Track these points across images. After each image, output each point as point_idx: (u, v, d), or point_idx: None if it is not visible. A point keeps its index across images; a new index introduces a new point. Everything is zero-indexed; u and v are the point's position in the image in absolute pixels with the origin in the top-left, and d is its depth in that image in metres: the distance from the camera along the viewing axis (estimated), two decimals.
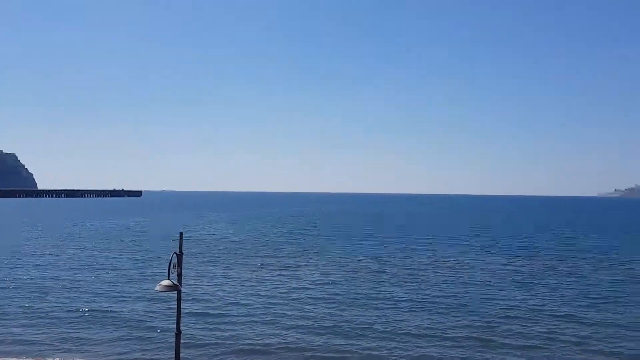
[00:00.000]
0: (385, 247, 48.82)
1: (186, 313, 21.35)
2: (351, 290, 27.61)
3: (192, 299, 24.86)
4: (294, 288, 28.24)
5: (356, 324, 20.96)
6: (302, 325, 20.82)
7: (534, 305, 24.66)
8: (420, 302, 25.08)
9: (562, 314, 22.99)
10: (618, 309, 24.02)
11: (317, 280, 30.67)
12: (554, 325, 21.14)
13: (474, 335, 19.59)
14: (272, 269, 34.57)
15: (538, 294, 27.28)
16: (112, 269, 33.97)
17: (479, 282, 30.34)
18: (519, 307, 24.20)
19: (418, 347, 18.27)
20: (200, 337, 19.12)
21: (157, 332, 19.77)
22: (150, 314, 22.37)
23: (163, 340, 18.64)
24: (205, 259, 38.97)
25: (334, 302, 24.82)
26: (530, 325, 21.07)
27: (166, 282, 9.97)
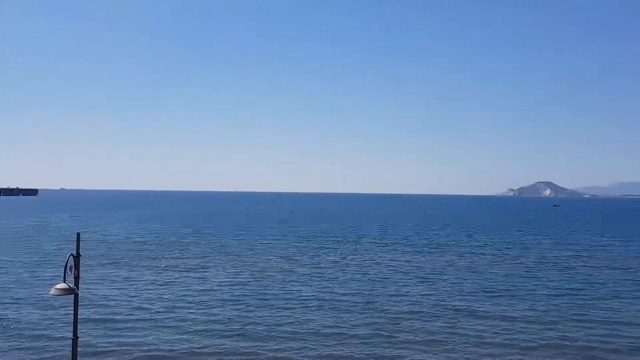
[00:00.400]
0: (294, 245, 48.99)
1: (84, 318, 20.18)
2: (260, 291, 27.37)
3: (92, 304, 23.55)
4: (201, 290, 27.55)
5: (265, 325, 20.75)
6: (209, 329, 20.31)
7: (435, 300, 25.68)
8: (327, 300, 25.31)
9: (462, 308, 24.09)
10: (511, 302, 25.52)
11: (224, 281, 30.11)
12: (454, 319, 22.10)
13: (380, 332, 20.00)
14: (178, 271, 33.54)
15: (439, 289, 28.46)
16: (3, 273, 31.46)
17: (384, 279, 31.18)
18: (422, 302, 25.11)
19: (325, 346, 18.38)
20: (99, 343, 18.11)
21: (52, 339, 18.50)
22: (46, 320, 20.90)
23: (59, 348, 17.47)
24: (106, 261, 37.11)
25: (242, 304, 24.46)
26: (432, 320, 21.89)
27: (62, 285, 9.34)
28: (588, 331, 20.50)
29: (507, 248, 50.40)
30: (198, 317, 22.01)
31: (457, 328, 20.68)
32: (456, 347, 18.42)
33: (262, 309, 23.52)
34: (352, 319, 21.78)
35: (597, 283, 31.03)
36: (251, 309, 23.53)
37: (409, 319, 21.89)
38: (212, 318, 21.83)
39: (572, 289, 29.21)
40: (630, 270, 36.52)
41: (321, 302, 24.97)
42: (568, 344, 18.89)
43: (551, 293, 27.93)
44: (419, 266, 36.76)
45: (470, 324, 21.39)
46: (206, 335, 19.41)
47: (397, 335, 19.65)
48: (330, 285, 29.17)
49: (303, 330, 20.07)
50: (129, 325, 20.66)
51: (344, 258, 40.46)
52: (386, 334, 19.76)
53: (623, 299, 26.69)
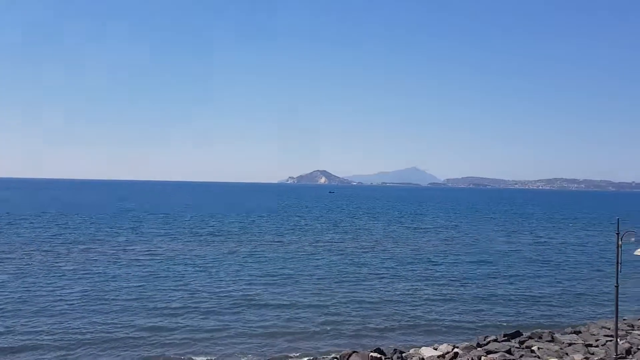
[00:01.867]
0: (59, 237, 43.73)
1: None
2: (19, 294, 23.34)
3: None
4: None
5: (22, 334, 17.73)
6: None
7: (216, 290, 24.96)
8: (97, 300, 22.71)
9: (242, 296, 23.83)
10: (290, 288, 26.06)
11: None
12: (236, 309, 21.72)
13: (156, 332, 18.57)
14: None
15: (220, 279, 27.78)
16: None
17: (163, 271, 29.31)
18: (202, 294, 24.16)
19: (92, 354, 16.41)
20: None
21: None
22: None
23: None
24: None
25: None
26: (213, 312, 21.14)
27: None
28: (358, 312, 21.92)
29: (286, 232, 52.38)
30: None
31: (238, 319, 20.30)
32: (236, 341, 18.00)
33: (20, 314, 20.17)
34: (125, 320, 19.86)
35: (363, 264, 33.74)
36: (8, 315, 20.06)
37: (188, 314, 20.81)
38: None
39: (343, 270, 31.19)
40: (388, 250, 40.67)
41: (90, 302, 22.38)
42: (341, 325, 19.92)
43: (325, 275, 29.41)
44: (200, 255, 35.75)
45: (252, 312, 21.25)
46: None
47: (176, 333, 18.46)
48: (102, 281, 26.43)
49: (67, 337, 17.62)
50: None
51: (120, 250, 37.47)
52: (164, 333, 18.43)
53: (383, 278, 29.38)
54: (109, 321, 19.66)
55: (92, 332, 18.27)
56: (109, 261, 32.66)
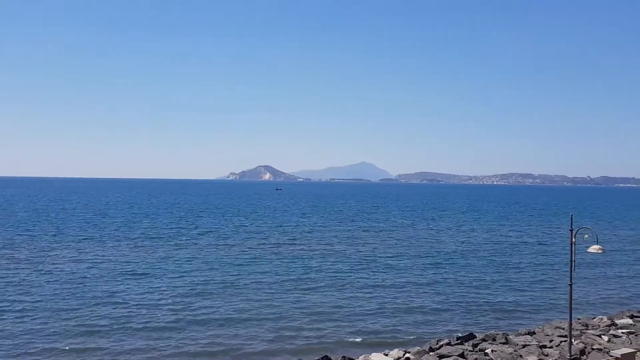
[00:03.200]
0: None
1: None
2: None
3: None
4: None
5: None
6: None
7: (151, 302, 24.26)
8: (14, 316, 21.56)
9: (180, 309, 23.23)
10: (231, 299, 25.57)
11: None
12: (175, 323, 21.18)
13: (74, 356, 17.67)
14: None
15: (156, 288, 26.97)
16: None
17: (90, 283, 28.07)
18: (134, 307, 23.41)
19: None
20: None
21: None
22: None
23: None
24: None
25: None
26: (146, 328, 20.56)
27: None
28: (307, 324, 21.89)
29: (229, 234, 51.76)
30: None
31: (175, 336, 19.80)
32: (160, 351, 17.57)
33: None
34: (45, 341, 18.86)
35: (313, 269, 33.81)
36: None
37: (118, 331, 20.02)
38: None
39: (291, 277, 31.02)
40: (339, 253, 40.82)
41: (3, 318, 21.27)
42: (290, 339, 19.85)
43: (272, 282, 29.14)
44: (132, 262, 34.67)
45: (192, 328, 20.75)
46: None
47: (104, 355, 17.69)
48: (17, 294, 25.19)
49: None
50: None
51: (40, 256, 35.82)
52: (90, 355, 17.63)
53: (334, 285, 29.41)
54: (25, 343, 18.64)
55: (4, 357, 17.32)
56: (27, 269, 31.20)
